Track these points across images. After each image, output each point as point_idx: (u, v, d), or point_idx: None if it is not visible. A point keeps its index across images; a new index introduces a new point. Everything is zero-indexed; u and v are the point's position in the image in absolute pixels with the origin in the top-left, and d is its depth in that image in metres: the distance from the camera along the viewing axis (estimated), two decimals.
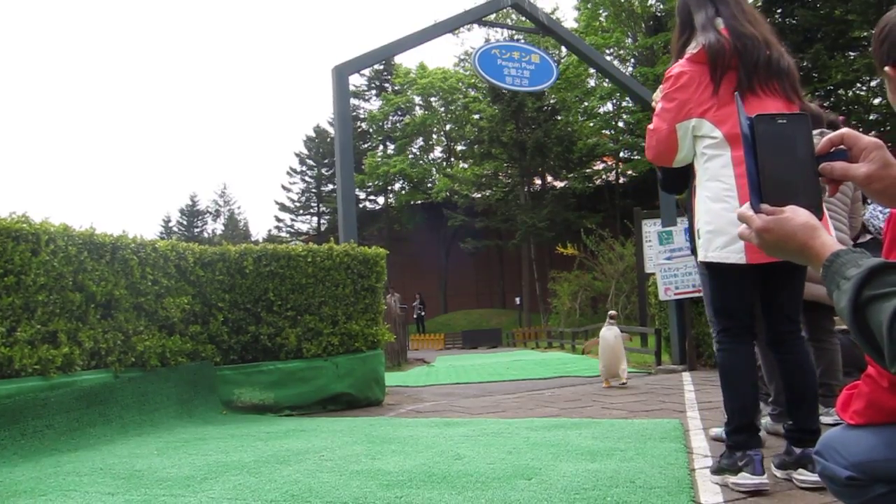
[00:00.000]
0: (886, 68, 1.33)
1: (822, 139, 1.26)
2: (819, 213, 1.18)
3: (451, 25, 9.19)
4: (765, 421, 3.70)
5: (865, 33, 22.88)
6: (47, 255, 4.05)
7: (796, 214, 1.16)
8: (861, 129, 28.05)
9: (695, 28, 2.80)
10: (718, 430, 3.49)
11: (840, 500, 1.32)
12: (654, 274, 9.15)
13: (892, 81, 1.37)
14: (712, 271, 2.68)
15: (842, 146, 1.24)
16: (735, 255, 2.53)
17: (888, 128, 25.10)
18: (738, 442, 2.58)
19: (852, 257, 1.06)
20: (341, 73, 7.48)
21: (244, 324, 5.58)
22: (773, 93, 2.70)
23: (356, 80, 46.35)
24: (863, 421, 1.28)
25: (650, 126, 2.88)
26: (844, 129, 1.26)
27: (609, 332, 6.40)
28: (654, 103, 3.01)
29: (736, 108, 2.62)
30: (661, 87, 2.89)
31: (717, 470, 2.65)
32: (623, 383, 6.51)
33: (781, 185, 1.20)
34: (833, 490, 1.31)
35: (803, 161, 1.21)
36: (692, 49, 2.75)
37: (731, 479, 2.54)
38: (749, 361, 2.69)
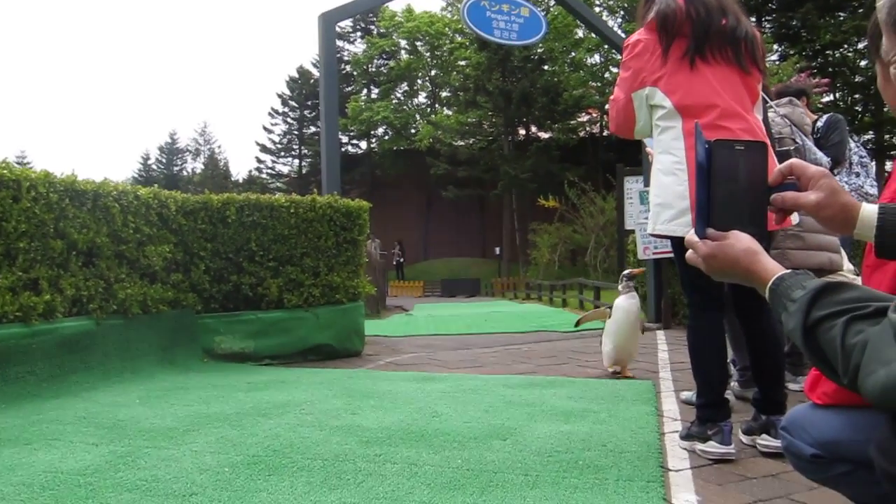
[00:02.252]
0: (877, 64, 1.38)
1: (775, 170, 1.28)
2: (765, 241, 1.23)
3: None
4: (733, 385, 3.81)
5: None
6: (28, 202, 4.03)
7: (738, 240, 1.21)
8: (847, 91, 28.05)
9: None
10: (688, 395, 3.60)
11: (802, 475, 1.39)
12: (633, 231, 9.24)
13: (879, 73, 1.42)
14: (675, 244, 2.71)
15: (791, 177, 1.27)
16: (682, 228, 2.54)
17: (873, 90, 25.11)
18: (707, 415, 2.67)
19: (796, 280, 1.11)
20: (328, 21, 7.36)
21: (226, 273, 5.59)
22: (727, 60, 2.70)
23: (341, 22, 45.47)
24: (830, 402, 1.35)
25: (611, 96, 2.91)
26: (792, 160, 1.29)
27: (630, 303, 4.52)
28: None
29: (686, 77, 2.64)
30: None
31: (686, 436, 2.75)
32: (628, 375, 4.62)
33: (731, 211, 1.23)
34: (796, 465, 1.38)
35: (755, 190, 1.25)
36: (650, 17, 2.77)
37: (699, 446, 2.64)
38: (716, 337, 2.76)
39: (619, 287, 4.63)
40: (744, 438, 2.81)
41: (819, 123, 4.38)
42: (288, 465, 2.49)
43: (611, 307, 4.61)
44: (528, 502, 2.07)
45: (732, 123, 2.62)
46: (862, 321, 0.99)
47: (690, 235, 1.28)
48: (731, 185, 1.23)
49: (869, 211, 1.21)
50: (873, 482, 1.21)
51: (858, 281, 1.38)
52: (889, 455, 1.05)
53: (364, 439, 2.88)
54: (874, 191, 4.44)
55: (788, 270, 1.16)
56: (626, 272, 4.69)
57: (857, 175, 4.47)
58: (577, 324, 5.52)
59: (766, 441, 2.67)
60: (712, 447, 2.59)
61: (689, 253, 1.30)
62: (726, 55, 2.70)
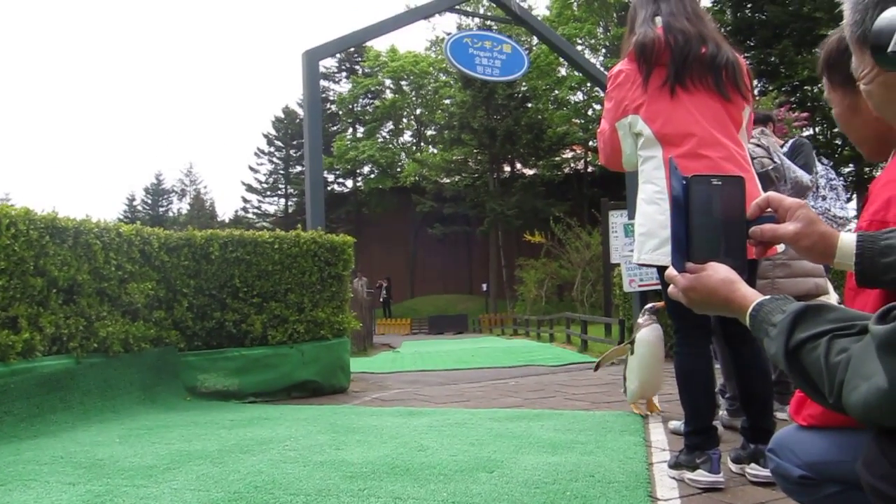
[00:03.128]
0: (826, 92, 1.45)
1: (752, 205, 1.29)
2: (745, 274, 1.24)
3: (425, 12, 9.17)
4: (721, 414, 3.79)
5: (832, 31, 23.25)
6: (8, 240, 3.98)
7: (716, 271, 1.22)
8: (825, 125, 28.50)
9: None
10: (677, 424, 3.57)
11: (791, 497, 1.37)
12: (619, 264, 9.26)
13: (839, 105, 1.49)
14: (661, 273, 2.71)
15: (769, 210, 1.29)
16: (666, 257, 2.49)
17: None
18: (696, 444, 2.64)
19: (776, 305, 1.11)
20: (312, 59, 7.41)
21: (209, 310, 5.54)
22: (707, 88, 2.73)
23: (326, 62, 46.01)
24: (816, 424, 1.33)
25: (599, 129, 2.94)
26: (769, 193, 1.31)
27: (654, 336, 4.10)
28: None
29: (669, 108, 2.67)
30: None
31: (675, 465, 2.72)
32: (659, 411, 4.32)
33: (709, 245, 1.25)
34: (785, 488, 1.37)
35: (733, 223, 1.26)
36: (630, 48, 2.81)
37: (688, 474, 2.61)
38: (704, 365, 2.74)
39: (640, 320, 4.19)
40: (732, 467, 2.78)
41: (784, 148, 4.43)
42: (269, 502, 2.44)
43: (632, 342, 4.20)
44: None
45: (712, 151, 2.64)
46: (845, 339, 0.99)
47: (670, 270, 1.29)
48: (709, 219, 1.24)
49: (847, 240, 1.22)
50: (863, 502, 1.18)
51: None
52: (874, 470, 1.03)
53: (348, 474, 2.83)
54: (843, 213, 4.46)
55: (767, 297, 1.16)
56: (648, 306, 4.20)
57: (824, 198, 4.48)
58: (597, 367, 4.97)
59: (755, 470, 2.64)
60: (701, 476, 2.56)
61: (671, 288, 1.30)
62: (706, 83, 2.73)
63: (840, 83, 1.49)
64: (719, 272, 1.22)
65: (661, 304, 4.11)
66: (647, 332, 4.08)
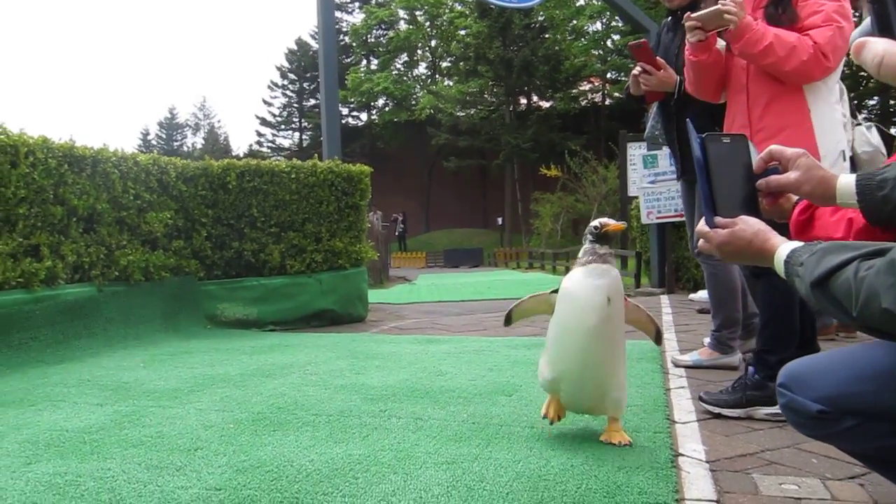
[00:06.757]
0: None
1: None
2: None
3: None
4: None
5: None
6: (27, 168, 3.99)
7: (748, 224, 1.29)
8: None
9: None
10: (694, 357, 3.56)
11: (801, 432, 1.35)
12: (636, 197, 9.18)
13: None
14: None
15: (773, 162, 1.36)
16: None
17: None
18: (773, 376, 2.50)
19: (806, 247, 1.15)
20: None
21: (227, 239, 5.57)
22: None
23: None
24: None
25: (824, 42, 2.49)
26: (771, 147, 1.37)
27: (585, 287, 2.05)
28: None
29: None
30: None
31: (744, 403, 2.53)
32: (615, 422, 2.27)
33: (731, 199, 1.33)
34: (797, 423, 1.34)
35: (745, 177, 1.36)
36: None
37: (765, 410, 2.48)
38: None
39: (581, 254, 2.12)
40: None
41: None
42: (293, 421, 2.48)
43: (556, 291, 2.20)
44: (535, 452, 2.06)
45: None
46: (873, 259, 0.99)
47: (701, 226, 1.35)
48: (726, 175, 1.34)
49: (846, 181, 1.27)
50: (878, 435, 1.19)
51: None
52: None
53: (369, 397, 2.87)
54: None
55: (801, 243, 1.19)
56: (594, 223, 2.11)
57: None
58: (508, 319, 2.38)
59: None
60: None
61: (701, 243, 1.37)
62: None
63: None
64: (752, 225, 1.28)
65: (616, 225, 2.09)
66: (576, 277, 2.10)
